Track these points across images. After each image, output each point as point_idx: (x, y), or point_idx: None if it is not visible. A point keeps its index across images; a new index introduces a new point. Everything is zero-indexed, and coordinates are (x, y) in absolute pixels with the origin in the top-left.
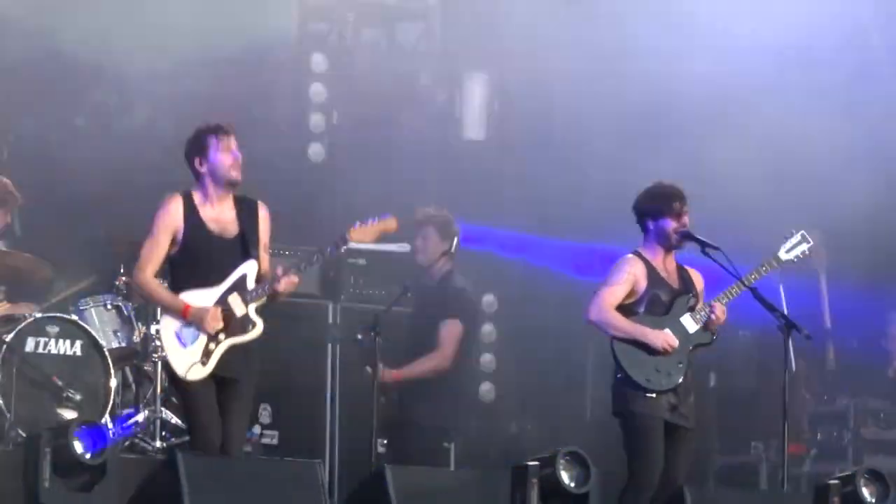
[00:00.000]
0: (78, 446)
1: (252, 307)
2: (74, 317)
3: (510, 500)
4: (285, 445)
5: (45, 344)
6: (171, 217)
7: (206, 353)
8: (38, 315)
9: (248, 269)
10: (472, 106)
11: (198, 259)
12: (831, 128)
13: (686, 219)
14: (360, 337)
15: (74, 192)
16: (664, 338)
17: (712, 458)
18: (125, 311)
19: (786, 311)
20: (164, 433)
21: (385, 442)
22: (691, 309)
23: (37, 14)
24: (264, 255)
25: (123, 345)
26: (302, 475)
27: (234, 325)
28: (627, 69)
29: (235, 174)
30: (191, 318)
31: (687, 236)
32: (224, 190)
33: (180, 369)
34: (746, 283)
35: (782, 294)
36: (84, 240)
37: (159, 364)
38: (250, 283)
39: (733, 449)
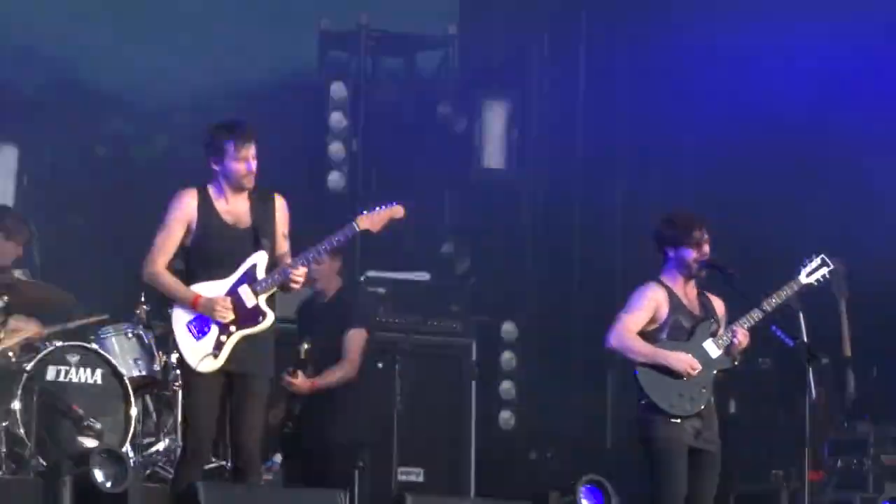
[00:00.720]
0: (98, 475)
1: (262, 298)
2: (95, 346)
3: None
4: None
5: (66, 372)
6: (185, 209)
7: (218, 346)
8: (59, 344)
9: (259, 259)
10: (492, 134)
11: (210, 250)
12: None
13: (707, 247)
14: (380, 365)
15: (93, 221)
16: (686, 360)
17: (732, 486)
18: (146, 340)
19: (805, 339)
20: None
21: (280, 458)
22: (713, 334)
23: (57, 43)
24: (283, 243)
25: (144, 373)
26: None
27: (244, 315)
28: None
29: (248, 183)
30: (201, 309)
31: (708, 266)
32: (236, 190)
33: (192, 361)
34: (768, 307)
35: (802, 322)
36: (103, 269)
37: (180, 393)
38: (260, 274)
39: (753, 476)
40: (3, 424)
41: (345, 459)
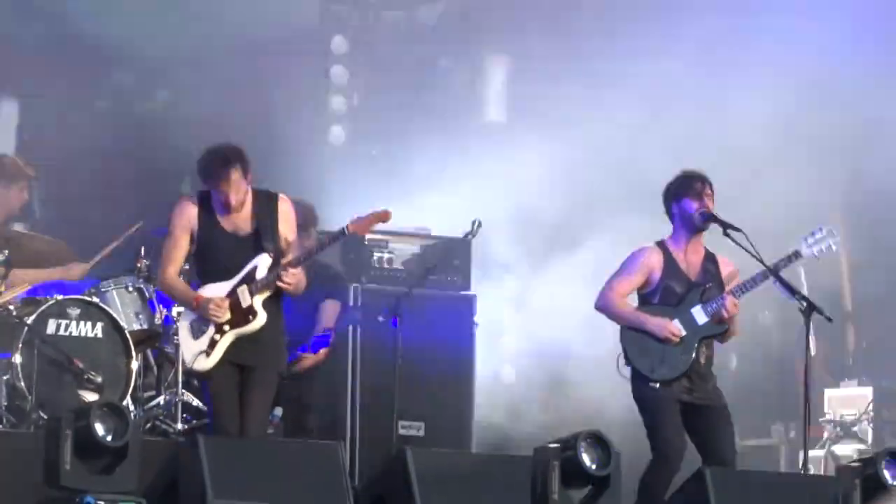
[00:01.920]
0: (99, 428)
1: (257, 298)
2: (96, 299)
3: (531, 482)
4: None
5: (67, 326)
6: (185, 218)
7: (212, 344)
8: (60, 297)
9: (260, 262)
10: (493, 88)
11: (213, 256)
12: None
13: (709, 201)
14: (381, 319)
15: (94, 174)
16: (666, 326)
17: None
18: (147, 294)
19: (806, 293)
20: (185, 415)
21: (280, 412)
22: (705, 301)
23: None
24: (289, 248)
25: (145, 327)
26: (323, 456)
27: (238, 315)
28: None
29: (235, 212)
30: (199, 309)
31: (709, 218)
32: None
33: (188, 359)
34: (764, 277)
35: (803, 276)
36: (104, 222)
37: (181, 346)
38: (260, 275)
39: (753, 432)
40: (4, 378)
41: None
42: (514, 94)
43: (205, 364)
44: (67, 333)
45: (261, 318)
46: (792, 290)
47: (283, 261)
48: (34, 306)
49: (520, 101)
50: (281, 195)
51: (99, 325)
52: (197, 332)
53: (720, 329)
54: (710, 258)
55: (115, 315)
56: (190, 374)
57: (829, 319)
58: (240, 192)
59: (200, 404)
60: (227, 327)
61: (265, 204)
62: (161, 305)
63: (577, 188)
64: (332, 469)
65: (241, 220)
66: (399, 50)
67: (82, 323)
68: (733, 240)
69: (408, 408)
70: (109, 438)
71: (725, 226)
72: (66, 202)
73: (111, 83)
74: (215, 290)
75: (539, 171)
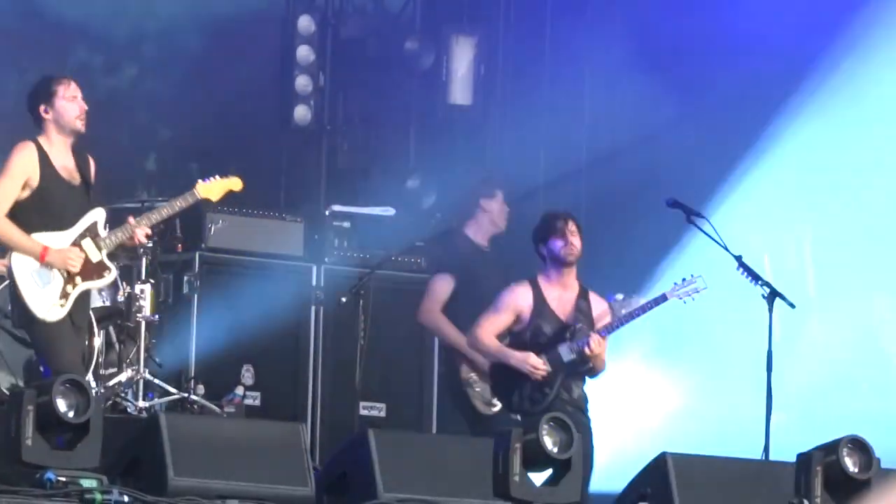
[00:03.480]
0: (61, 404)
1: (104, 253)
2: None
3: (493, 464)
4: (268, 407)
5: None
6: (29, 161)
7: (64, 295)
8: None
9: (98, 216)
10: (459, 70)
11: (50, 204)
12: None
13: (573, 238)
14: (343, 300)
15: None
16: (528, 361)
17: None
18: None
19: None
20: (147, 393)
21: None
22: (571, 338)
23: None
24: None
25: (107, 304)
26: (285, 437)
27: (89, 269)
28: None
29: (81, 125)
30: (49, 260)
31: (673, 203)
32: (67, 138)
33: (40, 311)
34: (628, 318)
35: (767, 263)
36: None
37: (143, 324)
38: (101, 230)
39: None
40: None
41: None
42: (480, 77)
43: (59, 315)
44: None
45: (113, 273)
46: (756, 277)
47: (133, 219)
48: None
49: (486, 84)
50: (88, 155)
51: None
52: (44, 282)
53: (584, 366)
54: (583, 295)
55: None
56: (36, 326)
57: (792, 306)
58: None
59: (162, 383)
60: (78, 279)
61: (83, 159)
62: (124, 283)
63: (542, 171)
64: (294, 450)
65: (72, 169)
66: (365, 30)
67: None
68: (698, 227)
69: (369, 389)
70: (71, 415)
71: (689, 212)
72: None
73: (75, 60)
74: (55, 241)
75: (505, 154)
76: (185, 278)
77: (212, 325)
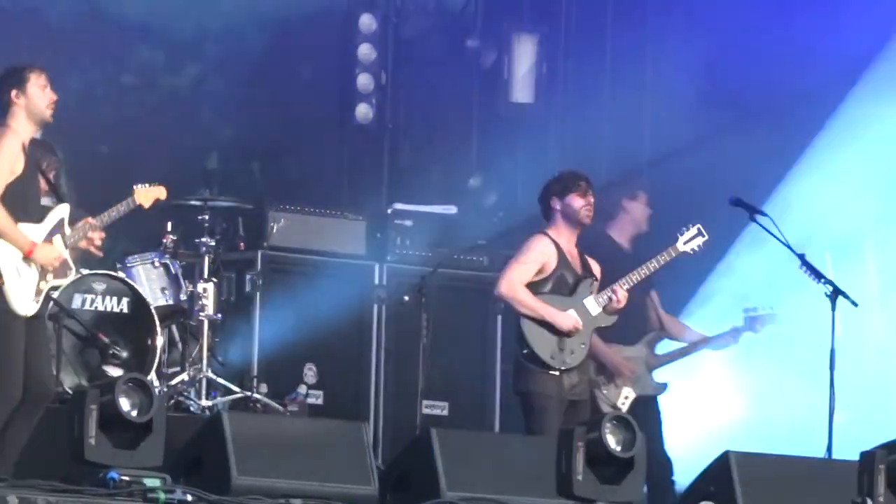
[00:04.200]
0: (124, 403)
1: (67, 251)
2: (122, 274)
3: (556, 463)
4: (330, 406)
5: (92, 301)
6: (16, 147)
7: (38, 292)
8: (86, 272)
9: (64, 212)
10: (521, 68)
11: (27, 195)
12: None
13: (591, 198)
14: (406, 298)
15: (120, 149)
16: (572, 320)
17: None
18: (172, 269)
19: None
20: (210, 392)
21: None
22: (594, 292)
23: None
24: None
25: (170, 302)
26: (347, 436)
27: (59, 267)
28: None
29: (50, 114)
30: (35, 256)
31: (736, 202)
32: (34, 128)
33: (20, 305)
34: (646, 271)
35: (829, 261)
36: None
37: (206, 322)
38: (66, 228)
39: None
40: None
41: None
42: (542, 75)
43: (32, 310)
44: (93, 308)
45: (73, 272)
46: (819, 275)
47: (92, 222)
48: None
49: (547, 82)
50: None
51: (124, 300)
52: (23, 276)
53: (610, 321)
54: (582, 255)
55: (140, 290)
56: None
57: (855, 304)
58: None
59: (225, 381)
60: (50, 276)
61: (46, 148)
62: (187, 281)
63: (604, 169)
64: (357, 448)
65: (36, 160)
66: (427, 28)
67: (108, 298)
68: (760, 224)
69: (432, 387)
70: (134, 414)
71: (752, 210)
72: (92, 179)
73: (138, 59)
74: (31, 234)
75: (567, 152)
76: (248, 277)
77: (274, 324)
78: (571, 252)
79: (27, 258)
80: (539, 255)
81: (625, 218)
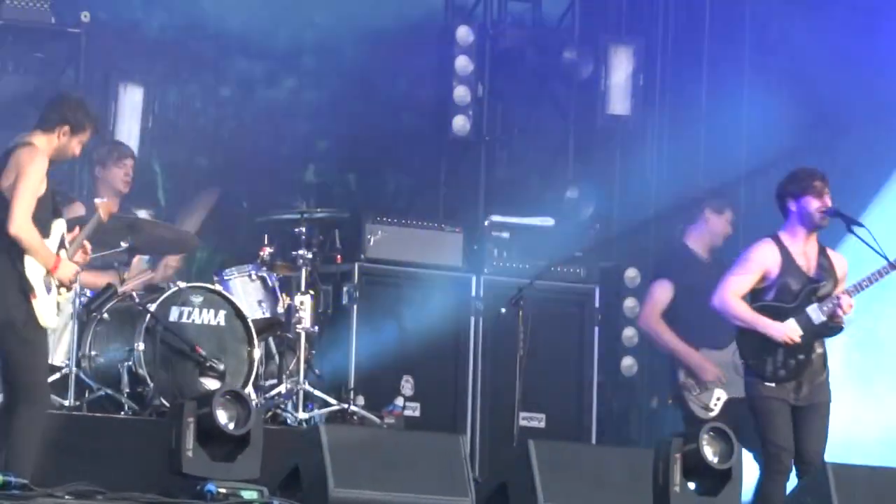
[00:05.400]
0: (221, 416)
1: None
2: (219, 287)
3: (652, 475)
4: (428, 418)
5: (189, 313)
6: (45, 168)
7: (56, 305)
8: (183, 285)
9: (63, 227)
10: (617, 80)
11: (46, 211)
12: None
13: (828, 198)
14: (503, 310)
15: (217, 161)
16: (786, 331)
17: None
18: (269, 282)
19: None
20: (307, 404)
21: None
22: (820, 299)
23: None
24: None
25: (267, 315)
26: (445, 448)
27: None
28: None
29: (79, 151)
30: (59, 272)
31: (833, 213)
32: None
33: (47, 318)
34: (879, 276)
35: None
36: (227, 210)
37: (303, 335)
38: (66, 242)
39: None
40: (127, 365)
41: None
42: (639, 87)
43: (56, 323)
44: (190, 321)
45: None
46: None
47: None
48: (157, 293)
49: (644, 94)
50: None
51: (221, 312)
52: (47, 291)
53: (834, 330)
54: (822, 253)
55: (237, 303)
56: (25, 332)
57: None
58: None
59: (322, 394)
60: (63, 290)
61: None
62: (283, 294)
63: (701, 181)
64: (454, 460)
65: None
66: (523, 40)
67: (205, 310)
68: (857, 236)
69: (529, 399)
70: (232, 426)
71: (850, 222)
72: (189, 190)
73: (235, 71)
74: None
75: (664, 164)
76: (345, 289)
77: (371, 336)
78: (806, 253)
79: (49, 273)
80: (757, 264)
81: (703, 227)
